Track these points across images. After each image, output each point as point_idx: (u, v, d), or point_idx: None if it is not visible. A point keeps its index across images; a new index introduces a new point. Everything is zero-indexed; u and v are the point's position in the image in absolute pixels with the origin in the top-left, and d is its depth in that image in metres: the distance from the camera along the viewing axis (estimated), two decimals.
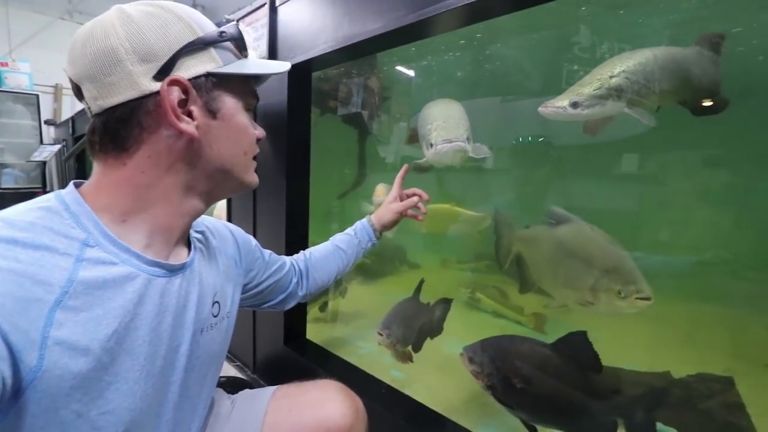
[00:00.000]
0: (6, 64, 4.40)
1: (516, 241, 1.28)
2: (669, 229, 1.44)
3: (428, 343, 1.39)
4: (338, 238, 0.98)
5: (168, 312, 0.53)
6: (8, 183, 4.45)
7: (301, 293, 0.90)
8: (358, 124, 2.10)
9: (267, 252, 0.84)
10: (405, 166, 1.03)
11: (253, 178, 0.62)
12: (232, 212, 1.60)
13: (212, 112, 0.52)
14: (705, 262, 1.30)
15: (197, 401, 0.61)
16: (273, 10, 1.30)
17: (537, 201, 1.64)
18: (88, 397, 0.43)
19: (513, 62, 1.67)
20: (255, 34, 1.35)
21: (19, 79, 4.46)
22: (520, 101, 1.67)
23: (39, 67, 4.68)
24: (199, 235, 0.65)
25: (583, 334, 0.94)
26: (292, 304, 0.90)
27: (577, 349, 0.93)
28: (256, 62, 0.59)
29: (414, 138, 1.38)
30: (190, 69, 0.49)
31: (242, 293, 0.75)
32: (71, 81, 0.51)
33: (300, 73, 1.28)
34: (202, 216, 0.67)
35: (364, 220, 1.00)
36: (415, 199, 0.99)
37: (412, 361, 1.34)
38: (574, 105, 0.90)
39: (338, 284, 2.01)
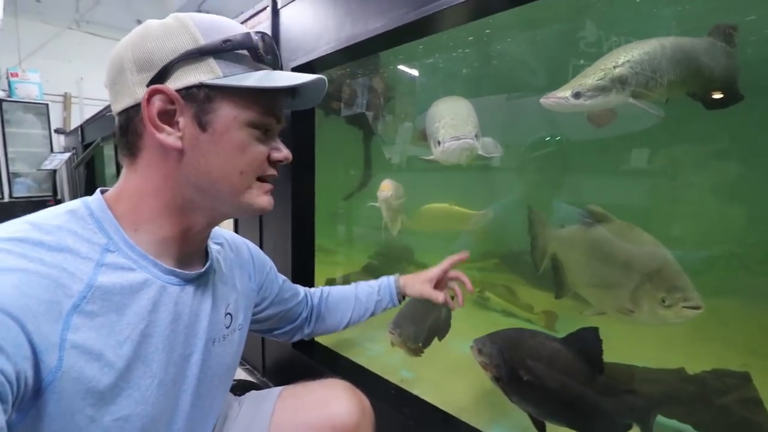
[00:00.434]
0: (16, 75, 4.47)
1: (551, 242, 1.20)
2: (682, 223, 1.42)
3: (438, 343, 1.38)
4: (360, 288, 0.93)
5: (181, 320, 0.53)
6: (21, 192, 4.52)
7: (306, 330, 0.89)
8: (362, 124, 2.10)
9: (282, 277, 0.83)
10: (462, 256, 0.92)
11: (256, 201, 0.55)
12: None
13: (202, 125, 0.49)
14: (719, 256, 1.27)
15: (209, 411, 0.62)
16: (275, 13, 1.31)
17: (548, 199, 1.61)
18: (101, 403, 0.43)
19: (520, 58, 1.65)
20: None
21: (29, 89, 4.53)
22: (528, 98, 1.64)
23: (48, 77, 4.75)
24: (217, 247, 0.66)
25: (594, 330, 0.91)
26: (298, 338, 0.89)
27: (587, 344, 0.91)
28: (265, 74, 0.52)
29: (422, 137, 1.36)
30: (182, 79, 0.48)
31: (253, 314, 0.74)
32: None
33: None
34: (221, 229, 0.69)
35: (392, 279, 0.94)
36: (455, 286, 0.91)
37: (422, 353, 1.33)
38: (577, 95, 0.87)
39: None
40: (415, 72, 2.02)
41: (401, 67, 2.02)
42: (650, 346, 1.32)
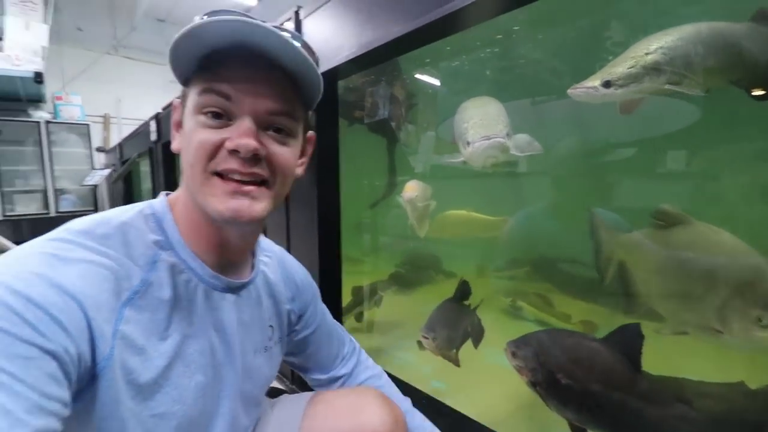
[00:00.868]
0: (60, 98, 4.78)
1: (618, 249, 1.05)
2: (730, 227, 1.29)
3: (470, 353, 1.33)
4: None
5: (224, 327, 0.53)
6: (66, 207, 4.79)
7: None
8: (386, 132, 2.09)
9: (325, 311, 0.80)
10: None
11: (210, 203, 0.46)
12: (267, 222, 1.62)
13: (180, 125, 0.51)
14: None
15: (246, 420, 0.61)
16: (298, 24, 1.33)
17: (582, 204, 1.52)
18: (140, 396, 0.44)
19: (549, 58, 1.58)
20: None
21: (72, 111, 4.82)
22: (559, 100, 1.56)
23: (89, 99, 5.04)
24: (266, 259, 0.66)
25: (636, 327, 0.82)
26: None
27: (629, 343, 0.82)
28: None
29: (451, 140, 1.30)
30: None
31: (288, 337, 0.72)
32: None
33: (326, 82, 1.28)
34: (272, 243, 0.70)
35: None
36: None
37: (458, 360, 1.27)
38: (607, 84, 0.81)
39: (373, 294, 1.99)
40: (437, 78, 2.01)
41: (423, 73, 2.01)
42: (701, 357, 1.22)
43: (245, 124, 0.45)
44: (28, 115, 4.48)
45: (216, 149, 0.45)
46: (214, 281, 0.52)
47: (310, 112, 0.55)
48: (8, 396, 0.32)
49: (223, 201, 0.45)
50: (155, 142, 2.44)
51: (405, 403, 0.83)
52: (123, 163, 3.77)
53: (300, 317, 0.73)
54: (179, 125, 0.51)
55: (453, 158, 1.21)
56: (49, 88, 4.55)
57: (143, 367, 0.44)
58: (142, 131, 2.95)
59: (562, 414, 0.89)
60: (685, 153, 1.27)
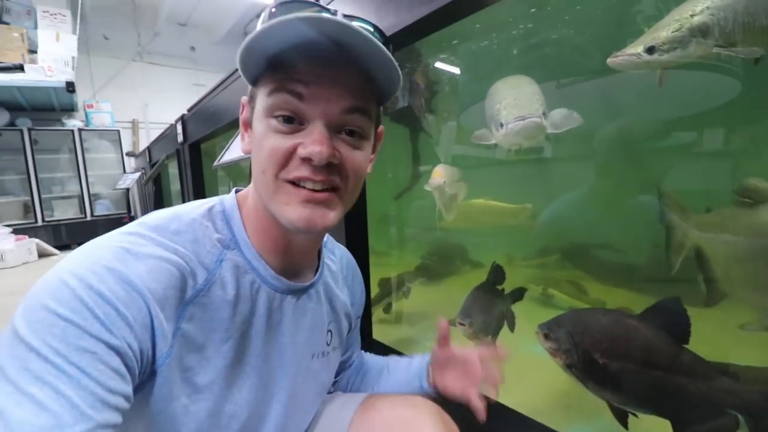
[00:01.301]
0: (92, 106, 4.97)
1: (692, 232, 0.93)
2: None
3: (504, 343, 1.30)
4: (394, 359, 0.79)
5: (281, 329, 0.53)
6: (101, 211, 5.01)
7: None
8: (409, 121, 2.06)
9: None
10: (443, 325, 0.69)
11: (282, 211, 0.45)
12: None
13: (249, 125, 0.49)
14: None
15: (300, 424, 0.60)
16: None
17: (615, 190, 1.44)
18: (196, 394, 0.45)
19: (582, 36, 1.49)
20: None
21: (103, 118, 5.00)
22: (594, 81, 1.48)
23: (117, 105, 5.22)
24: (330, 263, 0.64)
25: (676, 300, 0.76)
26: None
27: (671, 318, 0.76)
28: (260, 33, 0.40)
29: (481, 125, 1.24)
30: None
31: None
32: None
33: None
34: (340, 245, 0.68)
35: (427, 358, 0.73)
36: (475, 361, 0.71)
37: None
38: (650, 50, 0.75)
39: (400, 285, 1.98)
40: (459, 65, 1.96)
41: (445, 61, 1.97)
42: (747, 344, 1.14)
43: (318, 129, 0.43)
44: (62, 124, 4.68)
45: (288, 156, 0.43)
46: (276, 283, 0.51)
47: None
48: (75, 390, 0.33)
49: (296, 210, 0.44)
50: (182, 144, 2.50)
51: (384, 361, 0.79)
52: (152, 165, 3.88)
53: (352, 323, 0.71)
54: (248, 125, 0.50)
55: (483, 139, 1.15)
56: (80, 97, 4.74)
57: (201, 366, 0.44)
58: (168, 134, 3.03)
59: (601, 395, 0.85)
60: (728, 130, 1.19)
